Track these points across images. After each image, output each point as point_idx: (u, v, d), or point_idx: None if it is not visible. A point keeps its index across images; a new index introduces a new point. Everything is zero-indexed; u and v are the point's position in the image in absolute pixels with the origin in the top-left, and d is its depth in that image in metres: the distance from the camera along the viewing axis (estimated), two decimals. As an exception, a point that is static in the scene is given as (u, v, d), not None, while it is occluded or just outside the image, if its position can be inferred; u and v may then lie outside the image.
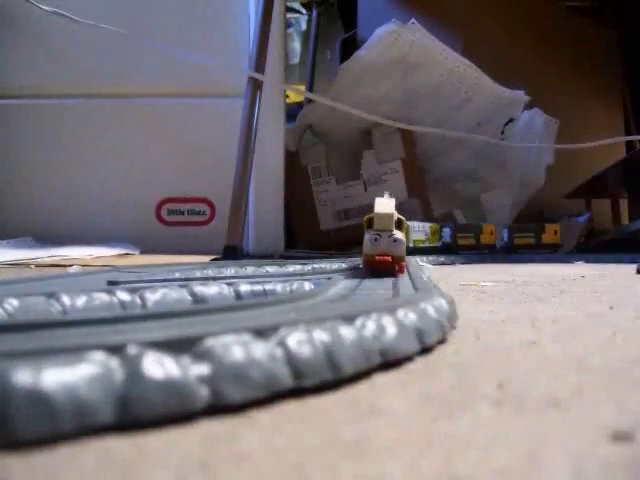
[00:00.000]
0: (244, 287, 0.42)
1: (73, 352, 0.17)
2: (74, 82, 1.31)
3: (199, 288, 0.40)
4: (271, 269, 0.61)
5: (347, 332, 0.23)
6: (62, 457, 0.16)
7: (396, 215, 0.52)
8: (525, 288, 0.62)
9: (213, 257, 1.00)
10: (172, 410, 0.17)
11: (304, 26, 2.25)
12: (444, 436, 0.18)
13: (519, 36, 1.67)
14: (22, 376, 0.15)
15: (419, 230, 1.14)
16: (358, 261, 0.69)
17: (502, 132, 1.48)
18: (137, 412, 0.17)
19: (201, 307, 0.31)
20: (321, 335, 0.22)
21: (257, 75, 1.14)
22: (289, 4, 2.07)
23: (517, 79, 1.49)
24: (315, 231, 1.46)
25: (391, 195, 0.55)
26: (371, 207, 0.52)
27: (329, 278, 0.47)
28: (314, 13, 2.09)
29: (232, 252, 1.05)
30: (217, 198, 1.29)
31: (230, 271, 0.58)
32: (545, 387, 0.24)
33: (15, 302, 0.32)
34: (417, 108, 1.44)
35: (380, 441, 0.18)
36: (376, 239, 0.50)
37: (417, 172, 1.45)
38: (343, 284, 0.43)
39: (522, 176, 1.50)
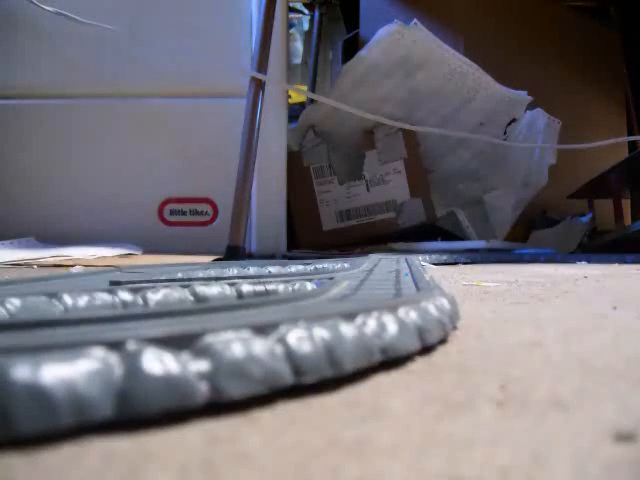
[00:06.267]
0: (246, 287, 0.42)
1: (72, 348, 0.17)
2: (75, 82, 1.31)
3: (201, 288, 0.40)
4: (273, 269, 0.61)
5: (347, 329, 0.23)
6: (65, 456, 0.16)
7: None
8: (528, 288, 0.61)
9: (215, 257, 1.00)
10: (172, 405, 0.17)
11: (306, 26, 2.25)
12: (446, 436, 0.18)
13: (521, 36, 1.66)
14: (21, 371, 0.16)
15: None
16: (360, 261, 0.69)
17: (504, 132, 1.48)
18: (136, 407, 0.17)
19: (202, 306, 0.31)
20: (321, 332, 0.22)
21: (259, 75, 1.14)
22: (291, 4, 2.07)
23: (519, 79, 1.49)
24: (317, 231, 1.46)
25: None
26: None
27: (331, 278, 0.47)
28: (316, 13, 2.09)
29: (234, 252, 1.05)
30: (219, 198, 1.29)
31: (232, 271, 0.58)
32: (548, 388, 0.24)
33: (17, 302, 0.32)
34: (419, 108, 1.44)
35: (382, 442, 0.18)
36: None
37: (420, 172, 1.45)
38: (345, 284, 0.43)
39: (524, 176, 1.50)
